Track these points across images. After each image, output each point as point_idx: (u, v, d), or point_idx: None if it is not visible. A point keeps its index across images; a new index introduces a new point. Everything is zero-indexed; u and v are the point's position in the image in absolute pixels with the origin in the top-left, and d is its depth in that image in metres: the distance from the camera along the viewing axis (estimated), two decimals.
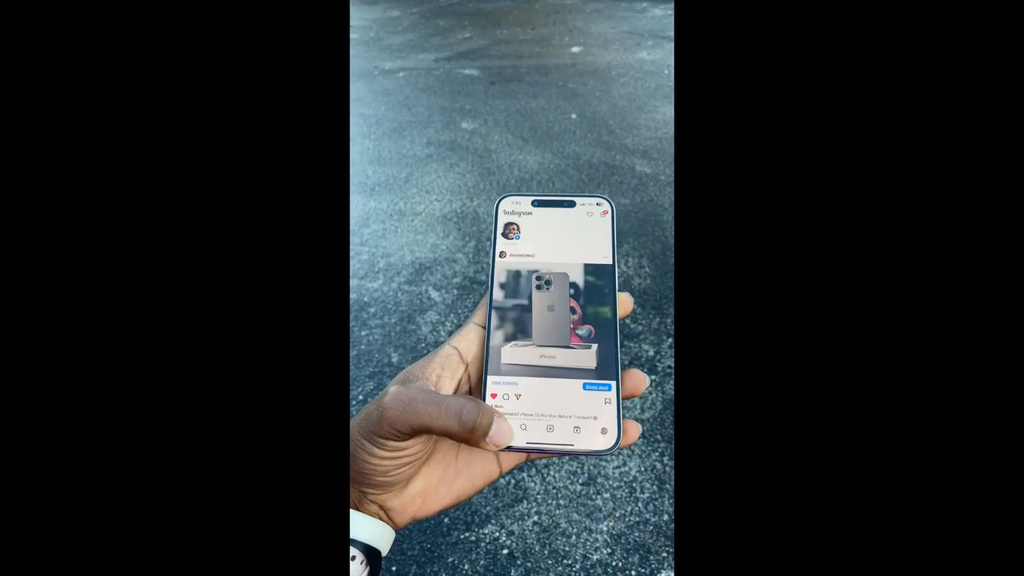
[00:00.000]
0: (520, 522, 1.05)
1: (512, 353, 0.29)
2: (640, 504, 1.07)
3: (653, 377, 1.31)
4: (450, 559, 1.01)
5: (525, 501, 1.09)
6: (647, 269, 1.65)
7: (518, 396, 0.28)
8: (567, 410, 0.28)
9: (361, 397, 1.29)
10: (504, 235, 0.32)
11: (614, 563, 0.99)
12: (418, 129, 2.58)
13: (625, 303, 0.30)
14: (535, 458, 0.29)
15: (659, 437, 1.19)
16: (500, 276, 0.31)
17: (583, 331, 0.29)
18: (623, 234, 1.80)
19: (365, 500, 0.27)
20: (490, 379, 0.29)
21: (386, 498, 0.27)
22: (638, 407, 1.25)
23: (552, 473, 1.13)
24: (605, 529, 1.04)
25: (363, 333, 1.47)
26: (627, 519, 1.05)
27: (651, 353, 1.38)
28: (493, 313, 0.30)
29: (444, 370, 0.28)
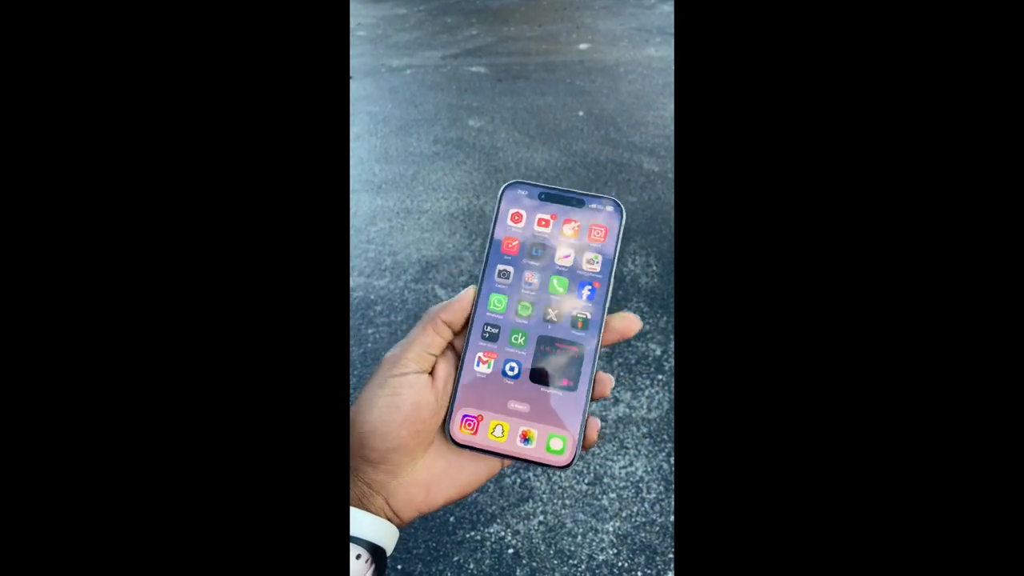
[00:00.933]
0: (526, 521, 1.05)
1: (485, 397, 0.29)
2: (647, 504, 1.07)
3: (660, 376, 1.31)
4: (455, 558, 1.01)
5: (531, 500, 1.09)
6: (654, 268, 1.64)
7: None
8: (537, 420, 0.29)
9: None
10: (505, 224, 0.31)
11: (620, 563, 0.99)
12: (425, 127, 2.58)
13: (630, 324, 0.29)
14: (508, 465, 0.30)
15: (666, 437, 1.18)
16: (495, 271, 0.30)
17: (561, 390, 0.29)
18: (630, 232, 1.80)
19: (370, 493, 0.27)
20: (460, 397, 0.29)
21: (392, 487, 0.27)
22: (644, 407, 1.24)
23: (558, 473, 1.13)
24: (611, 529, 1.03)
25: (370, 331, 1.47)
26: (633, 519, 1.05)
27: (658, 352, 1.37)
28: (476, 324, 0.29)
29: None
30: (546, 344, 0.29)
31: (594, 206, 0.30)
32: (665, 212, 1.88)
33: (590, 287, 0.29)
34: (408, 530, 1.04)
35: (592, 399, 0.28)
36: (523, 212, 0.30)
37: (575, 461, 0.28)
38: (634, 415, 1.23)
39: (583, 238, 0.30)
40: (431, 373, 0.28)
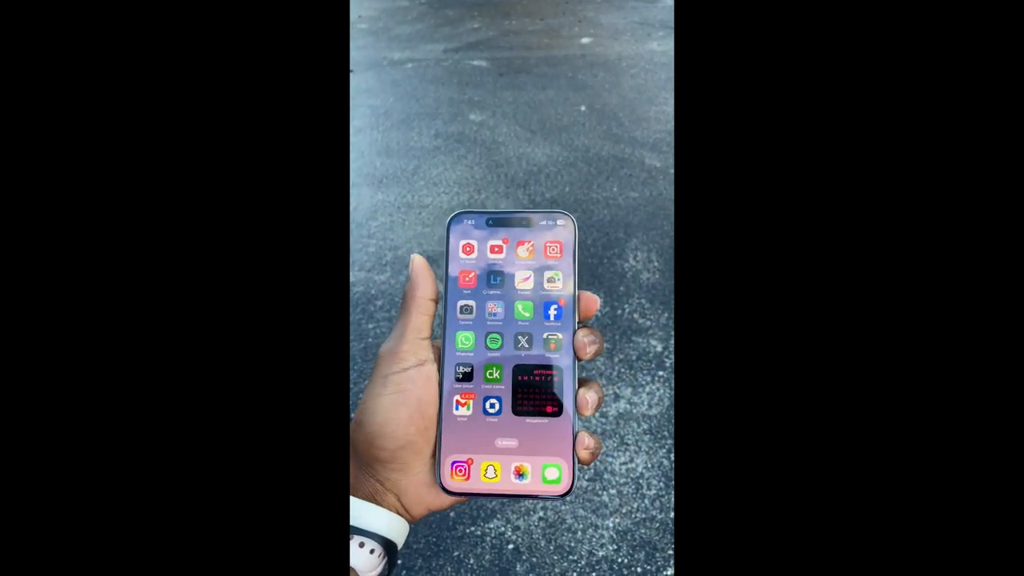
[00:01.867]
0: (526, 517, 1.05)
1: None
2: (647, 501, 1.07)
3: (660, 373, 1.31)
4: (456, 553, 1.01)
5: None
6: (656, 264, 1.63)
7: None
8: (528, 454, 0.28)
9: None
10: (458, 258, 0.29)
11: (620, 560, 0.99)
12: (426, 121, 2.57)
13: (589, 304, 0.28)
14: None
15: (666, 433, 1.18)
16: (456, 310, 0.29)
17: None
18: (632, 228, 1.79)
19: (382, 490, 0.27)
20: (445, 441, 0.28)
21: (404, 485, 0.27)
22: (645, 403, 1.24)
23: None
24: (611, 525, 1.04)
25: (370, 326, 1.47)
26: (633, 516, 1.05)
27: (659, 349, 1.37)
28: (447, 364, 0.28)
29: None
30: (523, 373, 0.28)
31: (544, 222, 0.29)
32: (667, 208, 1.88)
33: (556, 306, 0.29)
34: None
35: (579, 409, 0.28)
36: (474, 242, 0.30)
37: (575, 486, 0.28)
38: (635, 411, 1.23)
39: (539, 258, 0.29)
40: (431, 359, 0.28)
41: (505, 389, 0.28)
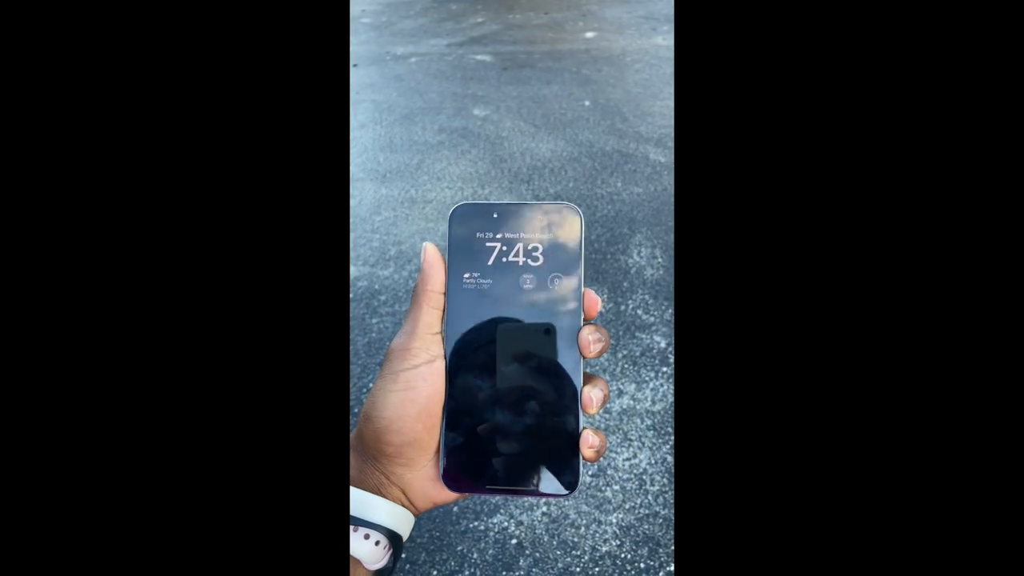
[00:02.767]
0: (529, 512, 1.06)
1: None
2: (650, 497, 1.07)
3: (664, 369, 1.30)
4: (459, 547, 1.01)
5: None
6: (660, 259, 1.63)
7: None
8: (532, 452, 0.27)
9: (371, 385, 1.30)
10: (459, 252, 0.28)
11: (623, 555, 0.99)
12: (430, 116, 2.56)
13: (592, 304, 0.27)
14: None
15: (669, 430, 1.18)
16: (460, 308, 0.28)
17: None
18: (636, 223, 1.78)
19: (387, 483, 0.27)
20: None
21: (409, 479, 0.27)
22: (649, 399, 1.24)
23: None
24: (614, 521, 1.04)
25: (374, 321, 1.47)
26: (637, 511, 1.05)
27: (663, 345, 1.36)
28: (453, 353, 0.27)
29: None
30: (523, 392, 0.27)
31: (551, 216, 0.28)
32: (671, 203, 1.87)
33: (561, 303, 0.27)
34: (398, 564, 1.05)
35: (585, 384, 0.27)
36: (477, 237, 0.28)
37: (580, 484, 0.27)
38: (638, 407, 1.23)
39: (545, 253, 0.28)
40: (442, 355, 0.28)
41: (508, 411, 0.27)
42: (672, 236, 1.72)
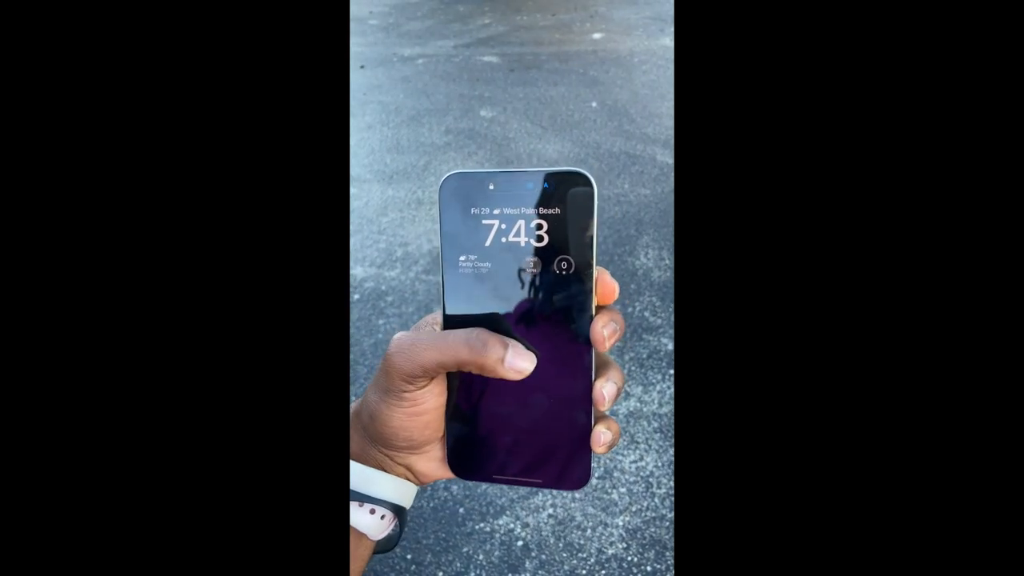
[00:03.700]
0: (535, 514, 1.05)
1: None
2: (657, 499, 1.06)
3: (671, 371, 1.30)
4: (465, 549, 1.01)
5: (540, 493, 1.09)
6: (667, 261, 1.62)
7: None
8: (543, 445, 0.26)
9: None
10: (451, 231, 0.25)
11: (629, 558, 0.99)
12: (437, 117, 2.57)
13: (609, 289, 0.25)
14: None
15: None
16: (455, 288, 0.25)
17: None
18: (643, 225, 1.78)
19: (391, 463, 0.27)
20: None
21: (413, 460, 0.27)
22: (656, 402, 1.23)
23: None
24: (621, 524, 1.03)
25: (380, 322, 1.48)
26: (643, 514, 1.04)
27: (669, 347, 1.36)
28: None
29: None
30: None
31: (557, 187, 0.24)
32: None
33: (570, 288, 0.24)
34: (418, 520, 1.05)
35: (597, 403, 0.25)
36: (472, 212, 0.25)
37: (589, 479, 0.26)
38: (645, 410, 1.22)
39: (551, 230, 0.24)
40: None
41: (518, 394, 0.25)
42: None
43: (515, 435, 0.26)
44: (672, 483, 1.09)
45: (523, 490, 1.09)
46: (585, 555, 0.99)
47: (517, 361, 0.24)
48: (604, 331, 0.24)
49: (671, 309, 1.46)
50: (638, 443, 1.16)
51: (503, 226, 0.24)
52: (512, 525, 1.04)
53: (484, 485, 1.09)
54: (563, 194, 0.24)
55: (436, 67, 3.14)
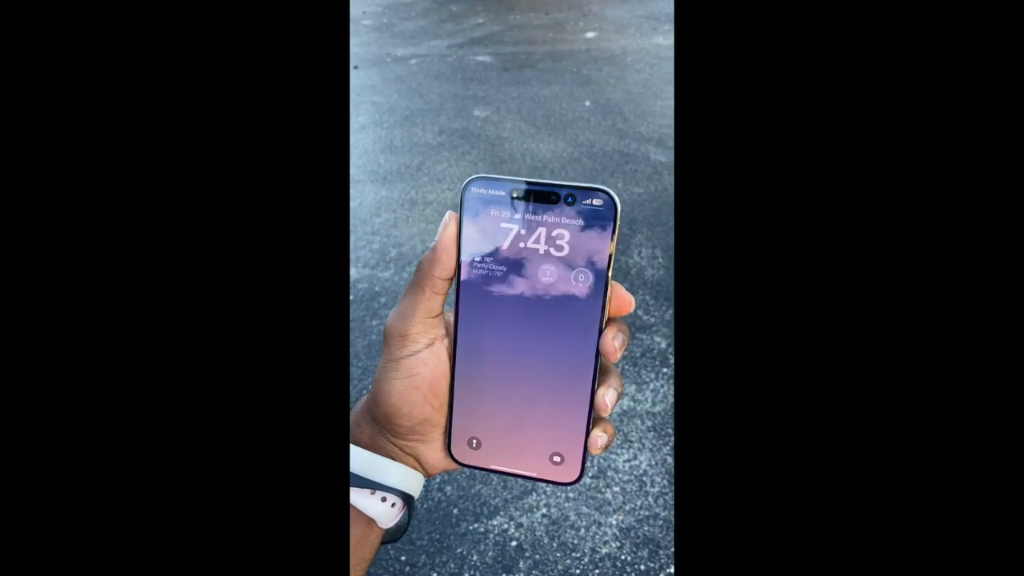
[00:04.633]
0: (529, 514, 1.05)
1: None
2: (650, 498, 1.07)
3: (664, 370, 1.30)
4: (459, 550, 1.01)
5: (534, 493, 1.09)
6: (660, 260, 1.62)
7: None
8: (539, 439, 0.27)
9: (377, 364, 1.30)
10: (471, 237, 0.25)
11: (623, 557, 0.99)
12: (430, 117, 2.56)
13: (623, 303, 0.26)
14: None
15: (670, 431, 1.17)
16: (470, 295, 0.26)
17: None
18: (637, 224, 1.78)
19: (400, 453, 0.28)
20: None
21: (420, 450, 0.28)
22: (649, 400, 1.23)
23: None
24: (614, 523, 1.03)
25: (374, 323, 1.48)
26: (637, 513, 1.04)
27: (663, 345, 1.36)
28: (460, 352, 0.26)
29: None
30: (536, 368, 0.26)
31: (581, 202, 0.24)
32: (672, 203, 1.87)
33: (582, 303, 0.25)
34: (412, 522, 1.05)
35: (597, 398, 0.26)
36: (492, 221, 0.26)
37: (583, 476, 0.27)
38: (638, 408, 1.22)
39: (571, 246, 0.25)
40: (441, 336, 0.27)
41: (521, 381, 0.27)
42: (673, 236, 1.71)
43: (515, 429, 0.27)
44: (665, 482, 1.09)
45: (516, 490, 1.09)
46: (579, 554, 0.99)
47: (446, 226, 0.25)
48: (615, 343, 0.25)
49: (664, 308, 1.47)
50: (631, 442, 1.16)
51: (523, 232, 0.25)
52: (506, 525, 1.04)
53: (478, 485, 1.09)
54: (587, 209, 0.25)
55: (429, 67, 3.14)
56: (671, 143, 2.23)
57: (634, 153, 2.19)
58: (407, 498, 0.28)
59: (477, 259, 0.26)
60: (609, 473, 1.11)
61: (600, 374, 0.26)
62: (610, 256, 0.25)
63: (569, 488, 1.08)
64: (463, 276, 0.26)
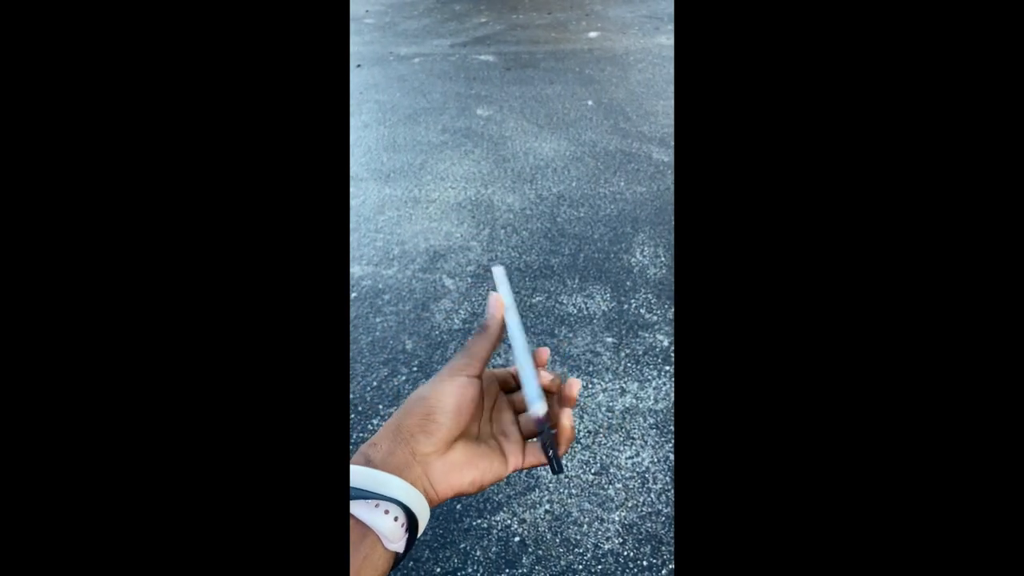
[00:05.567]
0: (532, 510, 1.06)
1: None
2: (652, 495, 1.07)
3: (667, 367, 1.31)
4: (462, 545, 1.02)
5: (537, 489, 1.09)
6: (663, 258, 1.63)
7: None
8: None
9: (375, 383, 1.30)
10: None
11: (626, 553, 0.99)
12: (433, 116, 2.57)
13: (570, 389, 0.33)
14: (531, 465, 0.34)
15: (672, 428, 1.18)
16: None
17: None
18: (639, 222, 1.79)
19: (413, 462, 0.30)
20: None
21: (432, 459, 0.31)
22: (651, 398, 1.24)
23: (564, 462, 1.13)
24: (617, 519, 1.04)
25: (377, 320, 1.48)
26: (639, 509, 1.05)
27: (665, 343, 1.36)
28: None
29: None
30: None
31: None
32: (673, 202, 1.87)
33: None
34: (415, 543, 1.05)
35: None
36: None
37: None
38: (641, 406, 1.23)
39: None
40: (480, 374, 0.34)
41: None
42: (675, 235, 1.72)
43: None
44: (668, 478, 1.09)
45: (520, 486, 1.10)
46: (582, 550, 1.00)
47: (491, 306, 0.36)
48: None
49: (666, 306, 1.47)
50: (634, 439, 1.16)
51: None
52: (509, 521, 1.04)
53: None
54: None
55: (433, 66, 3.14)
56: (673, 142, 2.23)
57: (636, 152, 2.20)
58: (410, 517, 0.29)
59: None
60: (612, 470, 1.11)
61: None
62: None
63: (572, 483, 1.09)
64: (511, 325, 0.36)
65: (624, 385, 1.27)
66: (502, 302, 0.36)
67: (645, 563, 0.98)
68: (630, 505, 1.06)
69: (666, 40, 3.28)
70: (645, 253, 1.66)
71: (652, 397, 1.24)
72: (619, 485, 1.09)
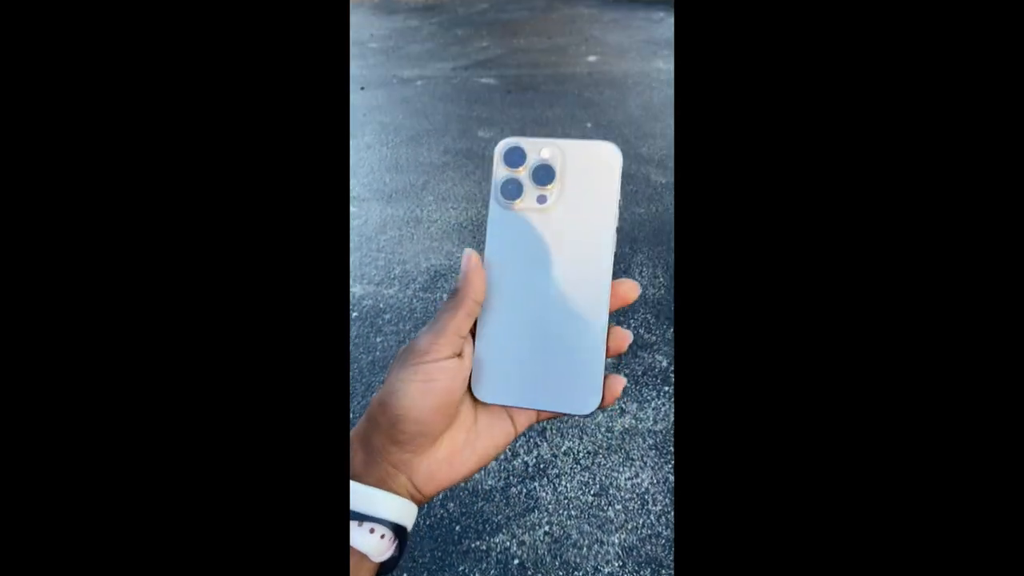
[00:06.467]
0: (531, 532, 1.05)
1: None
2: (652, 517, 1.07)
3: (666, 388, 1.31)
4: (461, 568, 1.01)
5: (536, 511, 1.09)
6: (661, 279, 1.64)
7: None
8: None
9: (382, 380, 1.30)
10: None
11: None
12: (435, 137, 2.61)
13: (629, 291, 0.29)
14: (545, 418, 0.30)
15: (672, 449, 1.18)
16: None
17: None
18: (638, 243, 1.80)
19: (394, 473, 0.28)
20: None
21: (415, 464, 0.28)
22: (651, 419, 1.24)
23: (563, 483, 1.13)
24: (616, 541, 1.03)
25: (378, 340, 1.49)
26: (639, 532, 1.04)
27: (664, 364, 1.37)
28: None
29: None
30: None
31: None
32: (672, 224, 1.89)
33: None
34: (414, 539, 1.05)
35: (609, 355, 0.28)
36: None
37: (597, 410, 0.28)
38: (640, 427, 1.23)
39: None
40: (465, 354, 0.29)
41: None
42: (673, 256, 1.73)
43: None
44: (668, 500, 1.09)
45: (519, 508, 1.09)
46: (581, 573, 0.99)
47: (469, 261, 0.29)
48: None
49: (665, 326, 1.48)
50: (633, 460, 1.16)
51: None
52: (508, 543, 1.04)
53: (481, 502, 1.09)
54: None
55: (435, 89, 3.19)
56: (671, 164, 2.26)
57: (635, 174, 2.22)
58: (398, 530, 0.27)
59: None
60: (611, 491, 1.11)
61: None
62: (617, 205, 0.29)
63: (572, 504, 1.08)
64: (492, 219, 0.30)
65: (623, 405, 1.27)
66: (477, 259, 0.29)
67: None
68: (630, 527, 1.05)
69: (664, 64, 3.34)
70: (644, 274, 1.67)
71: (651, 418, 1.24)
72: (618, 507, 1.08)
